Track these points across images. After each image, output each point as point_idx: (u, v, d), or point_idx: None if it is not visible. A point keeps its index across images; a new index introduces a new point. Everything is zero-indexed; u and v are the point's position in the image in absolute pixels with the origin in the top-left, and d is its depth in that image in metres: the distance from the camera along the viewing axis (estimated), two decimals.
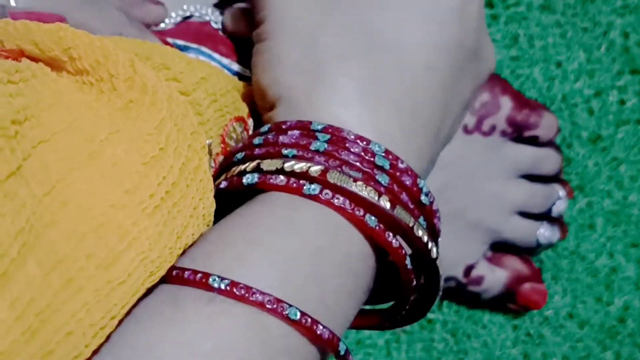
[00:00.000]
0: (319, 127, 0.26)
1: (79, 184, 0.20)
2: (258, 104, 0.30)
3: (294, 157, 0.25)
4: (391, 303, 0.28)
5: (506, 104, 0.42)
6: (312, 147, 0.25)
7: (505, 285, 0.45)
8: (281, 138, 0.26)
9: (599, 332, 0.48)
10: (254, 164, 0.25)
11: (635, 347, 0.48)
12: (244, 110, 0.31)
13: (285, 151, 0.25)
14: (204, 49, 0.32)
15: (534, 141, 0.43)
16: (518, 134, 0.43)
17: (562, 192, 0.45)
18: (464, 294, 0.46)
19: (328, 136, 0.26)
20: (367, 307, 0.27)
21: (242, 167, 0.26)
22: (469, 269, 0.44)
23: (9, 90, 0.19)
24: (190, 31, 0.35)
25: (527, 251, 0.45)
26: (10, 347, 0.18)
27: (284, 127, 0.26)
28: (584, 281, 0.48)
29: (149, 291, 0.23)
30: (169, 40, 0.32)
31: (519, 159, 0.43)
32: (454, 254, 0.44)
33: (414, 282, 0.26)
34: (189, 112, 0.25)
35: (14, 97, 0.19)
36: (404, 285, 0.26)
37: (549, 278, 0.47)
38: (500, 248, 0.45)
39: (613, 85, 0.46)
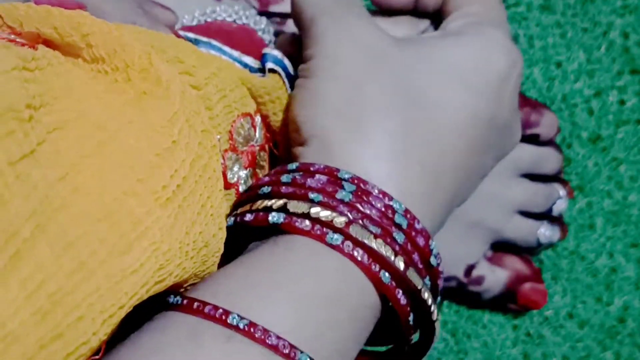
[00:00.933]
0: (346, 177, 0.27)
1: (90, 171, 0.21)
2: (290, 136, 0.31)
3: (320, 202, 0.26)
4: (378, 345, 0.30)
5: None
6: (337, 196, 0.26)
7: (505, 285, 0.45)
8: (309, 181, 0.27)
9: (599, 332, 0.48)
10: (280, 202, 0.27)
11: (635, 347, 0.48)
12: (251, 106, 0.31)
13: (311, 195, 0.26)
14: (214, 42, 0.32)
15: (535, 140, 0.43)
16: None
17: (562, 192, 0.45)
18: (464, 293, 0.45)
19: (354, 187, 0.27)
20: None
21: (269, 203, 0.27)
22: (469, 269, 0.44)
23: (24, 76, 0.19)
24: (203, 26, 0.35)
25: (527, 251, 0.45)
26: (20, 327, 0.18)
27: (312, 169, 0.28)
28: (584, 281, 0.48)
29: (158, 306, 0.23)
30: (180, 32, 0.32)
31: (520, 158, 0.43)
32: (455, 253, 0.44)
33: (412, 334, 0.28)
34: (201, 109, 0.25)
35: (29, 83, 0.19)
36: (402, 336, 0.28)
37: (549, 278, 0.47)
38: (501, 247, 0.45)
39: (613, 86, 0.46)
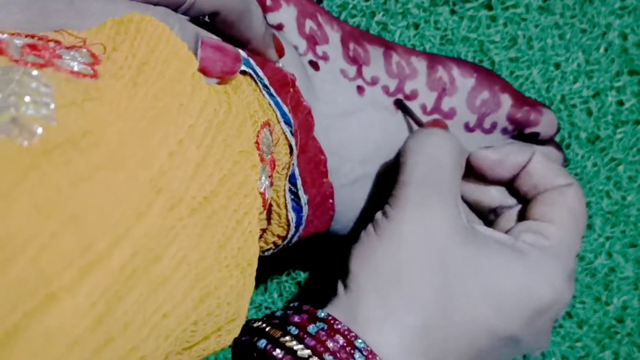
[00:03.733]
0: (361, 346, 0.31)
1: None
2: (340, 270, 0.35)
3: None
4: None
5: (506, 101, 0.42)
6: None
7: None
8: (329, 344, 0.31)
9: (598, 332, 0.48)
10: (304, 353, 0.30)
11: (634, 347, 0.48)
12: (265, 113, 0.31)
13: (327, 357, 0.30)
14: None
15: (535, 139, 0.43)
16: (519, 131, 0.43)
17: None
18: None
19: (363, 359, 0.30)
20: None
21: (295, 346, 0.31)
22: None
23: (84, 108, 0.21)
24: None
25: None
26: (83, 333, 0.19)
27: (335, 327, 0.31)
28: (583, 281, 0.48)
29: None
30: None
31: None
32: None
33: None
34: (245, 131, 0.26)
35: (87, 115, 0.21)
36: None
37: None
38: None
39: (612, 86, 0.46)
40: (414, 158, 0.35)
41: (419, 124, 0.40)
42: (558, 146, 0.45)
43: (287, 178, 0.33)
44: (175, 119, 0.23)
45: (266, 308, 0.49)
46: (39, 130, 0.19)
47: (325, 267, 0.49)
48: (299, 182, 0.34)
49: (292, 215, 0.34)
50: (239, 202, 0.25)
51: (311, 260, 0.49)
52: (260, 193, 0.29)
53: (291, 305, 0.35)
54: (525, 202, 0.39)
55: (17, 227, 0.18)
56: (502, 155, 0.38)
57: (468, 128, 0.42)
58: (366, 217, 0.41)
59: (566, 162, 0.47)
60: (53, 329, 0.18)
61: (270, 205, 0.33)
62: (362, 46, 0.41)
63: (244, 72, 0.32)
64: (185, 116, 0.23)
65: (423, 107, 0.41)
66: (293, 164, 0.33)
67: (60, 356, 0.18)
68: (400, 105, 0.41)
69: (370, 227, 0.34)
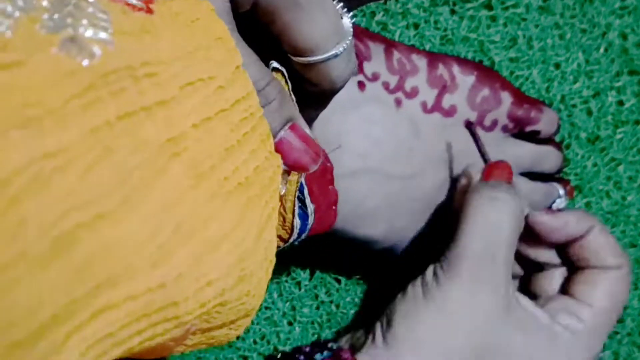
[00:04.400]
0: None
1: (192, 141, 0.22)
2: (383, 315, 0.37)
3: None
4: None
5: (507, 99, 0.42)
6: None
7: None
8: None
9: None
10: None
11: (634, 347, 0.48)
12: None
13: None
14: None
15: (535, 137, 0.44)
16: (520, 129, 0.43)
17: (562, 191, 0.45)
18: None
19: None
20: None
21: None
22: None
23: (142, 40, 0.21)
24: None
25: None
26: (140, 263, 0.19)
27: None
28: None
29: None
30: None
31: (520, 156, 0.43)
32: None
33: None
34: (270, 134, 0.27)
35: (145, 46, 0.21)
36: None
37: None
38: None
39: (612, 86, 0.46)
40: (474, 227, 0.36)
41: (484, 156, 0.40)
42: (558, 145, 0.45)
43: (298, 184, 0.33)
44: (208, 99, 0.23)
45: (266, 308, 0.49)
46: (98, 52, 0.19)
47: (325, 267, 0.49)
48: (305, 191, 0.34)
49: (297, 222, 0.34)
50: (270, 196, 0.25)
51: (311, 260, 0.49)
52: (280, 197, 0.30)
53: (329, 345, 0.36)
54: (571, 266, 0.40)
55: (69, 142, 0.18)
56: (561, 224, 0.39)
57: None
58: (367, 215, 0.41)
59: (566, 162, 0.47)
60: (111, 239, 0.18)
61: None
62: (363, 42, 0.41)
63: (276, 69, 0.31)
64: (220, 100, 0.23)
65: (424, 104, 0.41)
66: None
67: (119, 261, 0.18)
68: (470, 132, 0.41)
69: (419, 285, 0.36)
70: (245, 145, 0.24)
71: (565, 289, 0.40)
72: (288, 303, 0.48)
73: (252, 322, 0.48)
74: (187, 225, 0.21)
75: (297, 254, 0.48)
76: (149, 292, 0.19)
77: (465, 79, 0.42)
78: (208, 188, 0.22)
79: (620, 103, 0.46)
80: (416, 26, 0.45)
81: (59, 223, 0.17)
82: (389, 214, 0.41)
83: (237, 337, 0.48)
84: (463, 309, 0.34)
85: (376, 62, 0.41)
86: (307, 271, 0.49)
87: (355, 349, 0.36)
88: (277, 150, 0.28)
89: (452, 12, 0.45)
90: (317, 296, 0.48)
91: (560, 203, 0.45)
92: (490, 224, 0.36)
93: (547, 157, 0.44)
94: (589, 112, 0.46)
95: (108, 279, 0.18)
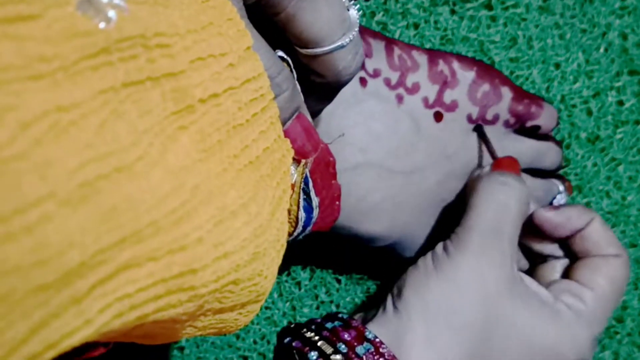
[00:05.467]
0: None
1: (201, 113, 0.22)
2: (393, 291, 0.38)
3: None
4: None
5: (507, 94, 0.42)
6: None
7: None
8: None
9: None
10: None
11: (634, 347, 0.48)
12: None
13: None
14: None
15: (536, 133, 0.44)
16: (520, 124, 0.43)
17: (562, 187, 0.45)
18: None
19: None
20: None
21: None
22: None
23: (156, 9, 0.21)
24: None
25: None
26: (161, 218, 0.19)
27: (381, 350, 0.34)
28: None
29: None
30: None
31: (521, 152, 0.43)
32: None
33: None
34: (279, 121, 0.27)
35: (159, 16, 0.21)
36: None
37: None
38: None
39: (612, 86, 0.46)
40: (484, 205, 0.38)
41: (493, 156, 0.42)
42: (557, 142, 0.45)
43: (303, 176, 0.33)
44: (218, 75, 0.23)
45: (266, 308, 0.49)
46: (114, 17, 0.19)
47: (325, 268, 0.49)
48: (310, 184, 0.34)
49: (302, 215, 0.34)
50: (281, 178, 0.26)
51: (311, 260, 0.49)
52: (292, 185, 0.30)
53: (339, 316, 0.37)
54: (573, 257, 0.42)
55: (81, 99, 0.17)
56: (564, 219, 0.41)
57: (471, 120, 0.42)
58: (369, 210, 0.41)
59: (566, 162, 0.47)
60: (132, 192, 0.18)
61: None
62: (364, 39, 0.41)
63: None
64: (230, 78, 0.23)
65: (425, 100, 0.41)
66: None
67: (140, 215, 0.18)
68: (479, 133, 0.42)
69: (429, 257, 0.37)
70: (255, 126, 0.24)
71: (567, 276, 0.41)
72: (288, 303, 0.48)
73: (252, 322, 0.48)
74: (205, 188, 0.21)
75: (297, 254, 0.48)
76: (170, 253, 0.20)
77: (466, 75, 0.42)
78: (218, 162, 0.22)
79: (620, 103, 0.46)
80: (416, 26, 0.45)
81: (80, 171, 0.17)
82: (391, 209, 0.41)
83: (237, 337, 0.48)
84: (472, 279, 0.36)
85: (377, 59, 0.41)
86: (307, 271, 0.49)
87: (366, 322, 0.37)
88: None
89: (452, 12, 0.45)
90: (317, 296, 0.48)
91: (561, 199, 0.45)
92: (499, 203, 0.38)
93: (547, 154, 0.44)
94: (589, 112, 0.46)
95: (133, 233, 0.18)
